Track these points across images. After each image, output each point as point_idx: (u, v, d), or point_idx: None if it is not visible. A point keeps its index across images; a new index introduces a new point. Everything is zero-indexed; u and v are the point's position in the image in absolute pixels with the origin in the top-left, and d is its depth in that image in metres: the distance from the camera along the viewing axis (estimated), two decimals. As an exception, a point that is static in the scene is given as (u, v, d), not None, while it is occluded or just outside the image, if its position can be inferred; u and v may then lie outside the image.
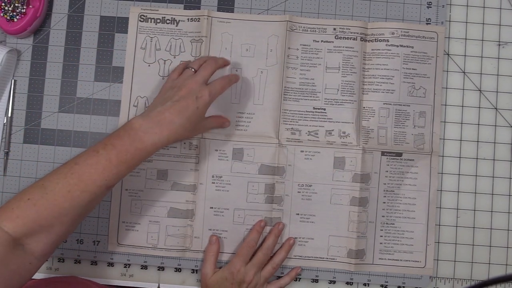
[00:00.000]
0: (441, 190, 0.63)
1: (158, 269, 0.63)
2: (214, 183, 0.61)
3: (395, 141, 0.62)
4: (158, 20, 0.63)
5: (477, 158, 0.63)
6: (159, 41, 0.63)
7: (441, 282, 0.62)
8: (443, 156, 0.63)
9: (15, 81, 0.64)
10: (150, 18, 0.63)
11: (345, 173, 0.61)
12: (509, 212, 0.63)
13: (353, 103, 0.62)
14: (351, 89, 0.62)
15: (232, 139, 0.62)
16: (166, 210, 0.61)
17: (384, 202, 0.61)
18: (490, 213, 0.63)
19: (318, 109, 0.62)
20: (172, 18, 0.63)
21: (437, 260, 0.62)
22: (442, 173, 0.63)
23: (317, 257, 0.61)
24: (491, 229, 0.63)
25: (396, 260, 0.61)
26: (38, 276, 0.61)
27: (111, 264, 0.62)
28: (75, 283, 0.58)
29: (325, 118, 0.62)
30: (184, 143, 0.62)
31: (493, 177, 0.63)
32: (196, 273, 0.63)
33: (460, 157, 0.63)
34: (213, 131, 0.62)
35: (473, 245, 0.63)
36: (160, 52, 0.63)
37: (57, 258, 0.62)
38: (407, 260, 0.61)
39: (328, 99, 0.62)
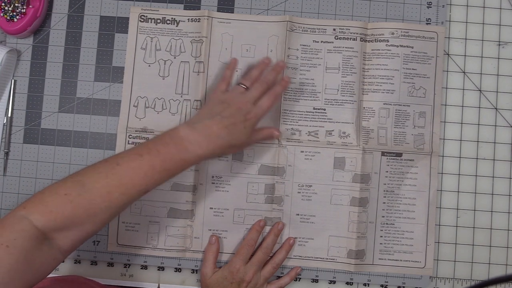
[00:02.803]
0: (441, 190, 0.63)
1: (158, 269, 0.63)
2: (214, 183, 0.61)
3: (395, 141, 0.62)
4: (159, 21, 0.63)
5: (477, 158, 0.63)
6: (159, 42, 0.63)
7: (441, 282, 0.62)
8: (443, 156, 0.63)
9: (15, 81, 0.64)
10: (150, 18, 0.63)
11: (345, 173, 0.61)
12: (509, 212, 0.63)
13: (353, 103, 0.62)
14: (351, 89, 0.62)
15: None
16: (166, 211, 0.61)
17: (384, 203, 0.61)
18: (490, 213, 0.63)
19: (318, 109, 0.62)
20: (172, 18, 0.63)
21: (437, 260, 0.62)
22: (442, 173, 0.63)
23: (317, 257, 0.61)
24: (491, 229, 0.63)
25: (396, 260, 0.61)
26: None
27: (111, 264, 0.62)
28: (78, 283, 0.58)
29: (325, 119, 0.62)
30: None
31: (493, 177, 0.63)
32: (196, 273, 0.63)
33: (460, 157, 0.63)
34: None
35: (473, 245, 0.63)
36: (160, 52, 0.63)
37: (57, 258, 0.62)
38: (407, 260, 0.61)
39: (328, 99, 0.62)
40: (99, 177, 0.46)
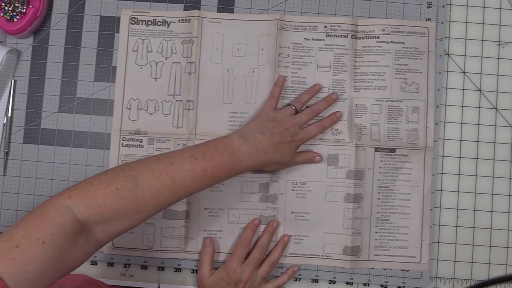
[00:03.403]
0: (441, 190, 0.63)
1: (158, 269, 0.63)
2: None
3: (388, 137, 0.62)
4: (149, 22, 0.63)
5: (477, 158, 0.63)
6: (151, 43, 0.63)
7: (441, 282, 0.62)
8: (443, 156, 0.63)
9: (15, 81, 0.64)
10: (141, 20, 0.63)
11: (338, 170, 0.61)
12: (509, 212, 0.63)
13: (344, 101, 0.62)
14: (342, 87, 0.62)
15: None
16: (161, 212, 0.61)
17: (379, 198, 0.62)
18: (490, 213, 0.63)
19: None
20: (163, 20, 0.63)
21: (437, 260, 0.62)
22: (442, 173, 0.63)
23: (312, 255, 0.61)
24: (491, 229, 0.63)
25: (392, 256, 0.61)
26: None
27: (111, 264, 0.62)
28: (85, 282, 0.58)
29: (317, 116, 0.62)
30: (178, 144, 0.61)
31: (493, 177, 0.63)
32: (196, 273, 0.63)
33: (460, 157, 0.63)
34: (206, 130, 0.61)
35: (473, 245, 0.63)
36: (151, 54, 0.63)
37: (57, 258, 0.62)
38: (402, 256, 0.61)
39: (319, 97, 0.62)
40: (152, 175, 0.46)
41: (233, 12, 0.64)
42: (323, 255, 0.61)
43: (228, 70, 0.62)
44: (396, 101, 0.62)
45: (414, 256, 0.61)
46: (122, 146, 0.62)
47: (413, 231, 0.61)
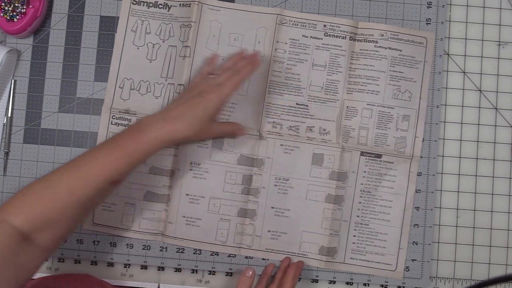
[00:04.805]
0: (441, 190, 0.63)
1: (158, 269, 0.63)
2: (191, 169, 0.62)
3: (375, 142, 0.62)
4: (151, 4, 0.63)
5: (477, 158, 0.63)
6: (150, 25, 0.63)
7: (441, 282, 0.62)
8: (443, 156, 0.63)
9: (15, 81, 0.64)
10: (142, 1, 0.63)
11: (322, 170, 0.61)
12: (509, 212, 0.63)
13: (335, 102, 0.62)
14: (335, 88, 0.62)
15: None
16: (142, 193, 0.61)
17: (360, 202, 0.62)
18: (490, 213, 0.63)
19: (301, 105, 0.62)
20: (164, 3, 0.63)
21: (437, 260, 0.62)
22: (442, 173, 0.63)
23: (288, 252, 0.61)
24: (491, 229, 0.63)
25: (368, 261, 0.61)
26: (39, 275, 0.61)
27: (111, 264, 0.62)
28: (88, 282, 0.59)
29: (307, 115, 0.62)
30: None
31: (493, 177, 0.63)
32: (196, 273, 0.63)
33: (460, 157, 0.63)
34: None
35: (473, 245, 0.63)
36: (150, 35, 0.63)
37: (57, 258, 0.62)
38: (378, 262, 0.61)
39: (311, 96, 0.62)
40: (63, 173, 0.46)
41: (233, 2, 0.63)
42: (299, 253, 0.61)
43: (222, 59, 0.62)
44: (388, 107, 0.62)
45: (390, 263, 0.61)
46: (111, 124, 0.62)
47: (392, 239, 0.61)
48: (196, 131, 0.52)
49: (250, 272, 0.56)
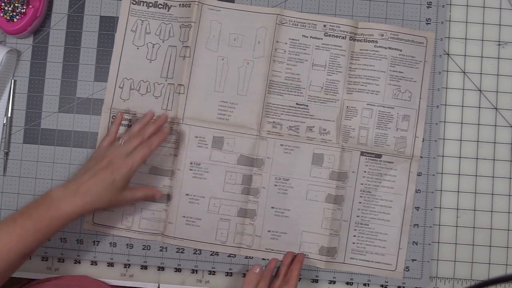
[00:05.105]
0: (441, 190, 0.63)
1: (158, 269, 0.63)
2: (191, 170, 0.62)
3: (375, 142, 0.62)
4: (151, 4, 0.63)
5: (477, 158, 0.63)
6: (150, 25, 0.63)
7: (441, 282, 0.62)
8: (443, 156, 0.63)
9: (15, 81, 0.64)
10: (142, 1, 0.63)
11: (322, 170, 0.61)
12: (509, 212, 0.63)
13: (335, 102, 0.62)
14: (335, 88, 0.62)
15: (213, 127, 0.62)
16: None
17: (360, 202, 0.62)
18: (490, 213, 0.63)
19: (301, 105, 0.62)
20: (164, 3, 0.63)
21: (437, 260, 0.62)
22: (442, 173, 0.63)
23: (288, 252, 0.61)
24: (491, 229, 0.63)
25: (368, 261, 0.61)
26: (40, 276, 0.61)
27: (111, 264, 0.62)
28: (86, 282, 0.58)
29: (307, 115, 0.62)
30: (165, 127, 0.61)
31: (493, 177, 0.63)
32: (196, 273, 0.63)
33: (460, 157, 0.63)
34: (194, 116, 0.62)
35: (473, 245, 0.63)
36: (149, 35, 0.63)
37: (57, 258, 0.62)
38: (378, 262, 0.61)
39: (311, 96, 0.62)
40: None
41: (233, 2, 0.63)
42: (299, 253, 0.61)
43: (222, 59, 0.62)
44: (388, 107, 0.62)
45: (390, 263, 0.61)
46: (111, 124, 0.62)
47: (391, 239, 0.61)
48: (106, 203, 0.53)
49: (258, 269, 0.56)
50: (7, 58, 0.62)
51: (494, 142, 0.63)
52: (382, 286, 0.62)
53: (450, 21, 0.64)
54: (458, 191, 0.63)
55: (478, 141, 0.63)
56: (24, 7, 0.61)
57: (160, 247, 0.62)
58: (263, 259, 0.62)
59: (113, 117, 0.62)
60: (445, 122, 0.63)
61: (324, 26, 0.63)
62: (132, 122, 0.62)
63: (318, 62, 0.62)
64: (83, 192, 0.51)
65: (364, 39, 0.62)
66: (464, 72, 0.64)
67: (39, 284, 0.56)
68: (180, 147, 0.62)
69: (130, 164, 0.54)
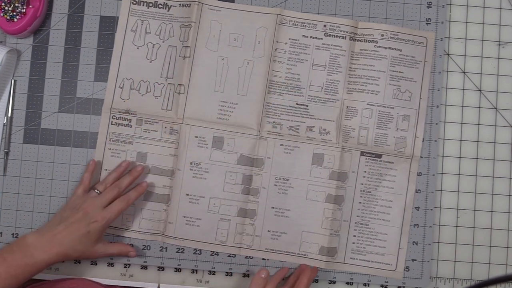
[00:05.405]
0: (441, 190, 0.63)
1: (158, 269, 0.63)
2: (192, 169, 0.62)
3: (375, 142, 0.62)
4: (151, 4, 0.63)
5: (477, 158, 0.63)
6: (150, 25, 0.63)
7: (441, 282, 0.62)
8: (443, 156, 0.63)
9: (15, 81, 0.64)
10: (142, 1, 0.63)
11: (322, 170, 0.61)
12: (509, 212, 0.63)
13: (335, 102, 0.62)
14: (335, 88, 0.62)
15: (213, 127, 0.62)
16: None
17: (360, 202, 0.62)
18: (490, 213, 0.63)
19: (301, 105, 0.62)
20: (164, 3, 0.63)
21: (437, 260, 0.62)
22: (442, 173, 0.63)
23: (288, 252, 0.61)
24: (491, 229, 0.63)
25: (368, 261, 0.61)
26: (40, 276, 0.61)
27: (111, 264, 0.62)
28: (82, 285, 0.58)
29: (307, 115, 0.62)
30: (165, 127, 0.62)
31: (493, 177, 0.63)
32: (196, 273, 0.63)
33: (460, 157, 0.63)
34: (194, 116, 0.62)
35: (473, 245, 0.63)
36: (149, 35, 0.63)
37: (57, 258, 0.62)
38: (378, 262, 0.61)
39: (311, 96, 0.62)
40: None
41: (233, 2, 0.63)
42: (299, 253, 0.61)
43: (223, 59, 0.62)
44: (388, 107, 0.62)
45: (390, 263, 0.61)
46: (111, 124, 0.62)
47: (392, 239, 0.61)
48: (79, 253, 0.54)
49: (265, 274, 0.56)
50: (7, 58, 0.62)
51: (494, 142, 0.63)
52: (382, 286, 0.62)
53: (450, 21, 0.64)
54: (458, 191, 0.63)
55: (478, 141, 0.63)
56: (24, 7, 0.61)
57: (160, 247, 0.62)
58: (263, 259, 0.62)
59: (114, 116, 0.62)
60: (445, 122, 0.63)
61: (324, 26, 0.63)
62: (132, 122, 0.62)
63: (318, 62, 0.62)
64: (57, 242, 0.52)
65: (364, 39, 0.62)
66: (464, 72, 0.64)
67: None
68: (180, 147, 0.62)
69: (107, 218, 0.55)
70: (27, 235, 0.53)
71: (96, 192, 0.57)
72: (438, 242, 0.62)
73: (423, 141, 0.62)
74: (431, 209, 0.62)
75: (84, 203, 0.55)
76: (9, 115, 0.63)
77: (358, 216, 0.62)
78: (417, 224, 0.62)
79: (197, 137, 0.62)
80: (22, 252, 0.51)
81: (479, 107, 0.64)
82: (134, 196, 0.58)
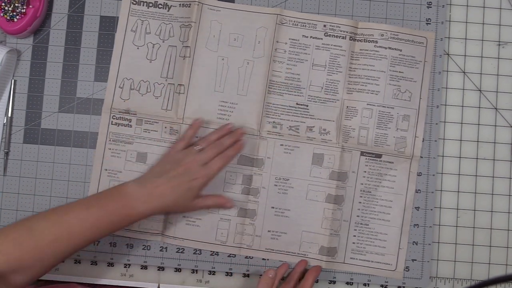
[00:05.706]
0: (441, 190, 0.63)
1: (158, 269, 0.63)
2: None
3: (375, 142, 0.62)
4: (151, 4, 0.63)
5: (477, 158, 0.63)
6: (150, 25, 0.63)
7: (441, 282, 0.62)
8: (443, 156, 0.63)
9: (15, 81, 0.64)
10: (142, 1, 0.63)
11: (322, 170, 0.61)
12: (509, 212, 0.63)
13: (335, 102, 0.62)
14: (335, 88, 0.62)
15: (213, 127, 0.62)
16: None
17: (360, 202, 0.62)
18: (490, 213, 0.63)
19: (301, 105, 0.62)
20: (164, 3, 0.63)
21: (437, 260, 0.62)
22: (442, 173, 0.63)
23: (288, 252, 0.61)
24: (491, 229, 0.63)
25: (368, 261, 0.61)
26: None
27: (111, 264, 0.62)
28: None
29: (307, 115, 0.62)
30: (165, 127, 0.62)
31: (493, 177, 0.63)
32: (196, 273, 0.63)
33: (460, 157, 0.63)
34: (195, 116, 0.61)
35: (473, 245, 0.63)
36: (149, 35, 0.63)
37: (57, 258, 0.62)
38: (378, 262, 0.61)
39: (311, 96, 0.62)
40: (47, 225, 0.48)
41: (233, 2, 0.64)
42: (299, 253, 0.61)
43: (223, 59, 0.62)
44: (388, 107, 0.62)
45: (390, 263, 0.61)
46: (112, 124, 0.62)
47: (392, 239, 0.61)
48: (179, 208, 0.55)
49: (272, 273, 0.56)
50: (7, 58, 0.62)
51: (494, 142, 0.63)
52: (382, 286, 0.62)
53: (450, 21, 0.64)
54: (458, 191, 0.63)
55: (478, 141, 0.63)
56: (24, 7, 0.61)
57: (160, 247, 0.62)
58: (263, 259, 0.62)
59: (114, 116, 0.62)
60: (445, 122, 0.63)
61: (324, 26, 0.63)
62: (132, 122, 0.62)
63: (318, 62, 0.62)
64: (158, 195, 0.52)
65: (364, 39, 0.62)
66: (464, 72, 0.64)
67: None
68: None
69: (208, 175, 0.55)
70: (128, 183, 0.53)
71: (196, 148, 0.56)
72: (438, 242, 0.62)
73: (423, 141, 0.62)
74: (431, 209, 0.62)
75: (186, 158, 0.55)
76: (9, 115, 0.63)
77: (358, 216, 0.62)
78: (417, 224, 0.62)
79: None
80: (122, 202, 0.51)
81: (479, 107, 0.64)
82: (232, 153, 0.57)
